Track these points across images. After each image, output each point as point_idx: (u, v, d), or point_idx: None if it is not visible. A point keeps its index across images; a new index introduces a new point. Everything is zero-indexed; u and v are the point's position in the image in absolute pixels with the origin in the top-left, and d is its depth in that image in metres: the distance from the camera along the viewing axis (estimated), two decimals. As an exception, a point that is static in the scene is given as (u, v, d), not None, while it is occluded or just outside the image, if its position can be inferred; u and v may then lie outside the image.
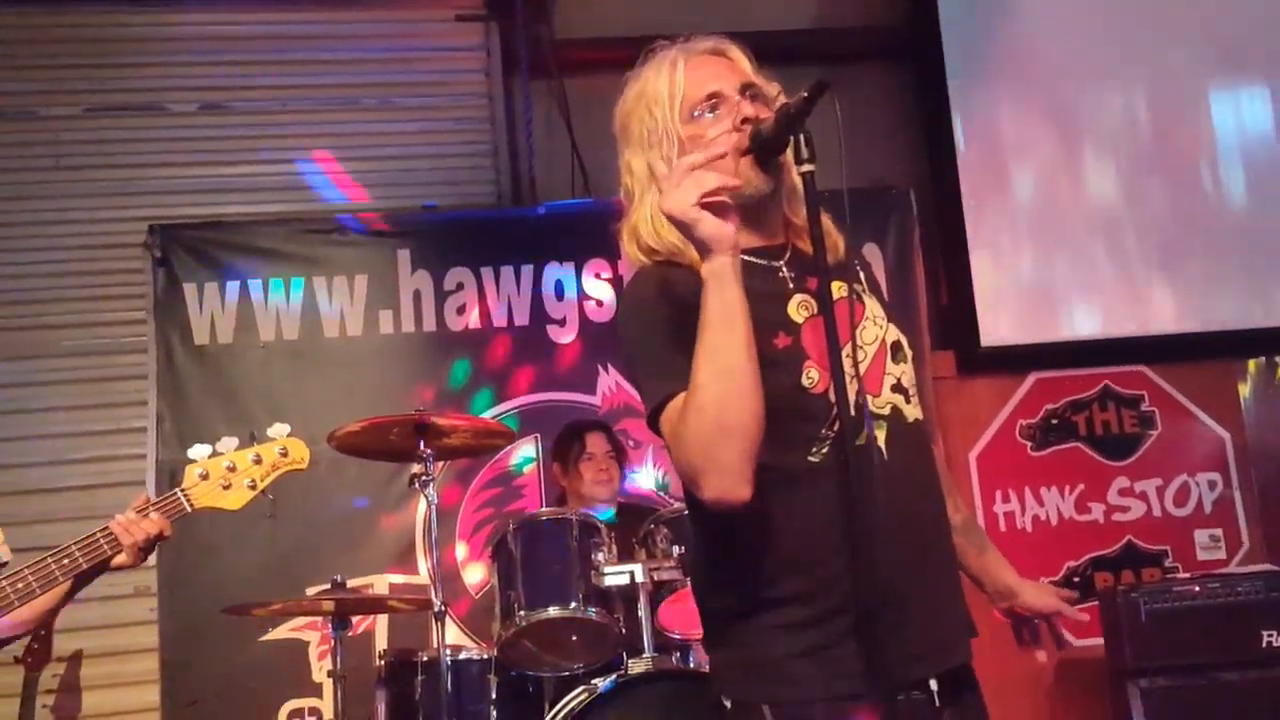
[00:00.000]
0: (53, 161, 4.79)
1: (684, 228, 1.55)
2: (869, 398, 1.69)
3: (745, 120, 1.70)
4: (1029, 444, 4.94)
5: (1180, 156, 5.03)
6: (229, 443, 2.34)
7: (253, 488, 2.31)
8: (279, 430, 2.44)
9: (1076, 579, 4.77)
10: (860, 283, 1.79)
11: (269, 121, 4.97)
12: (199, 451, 2.35)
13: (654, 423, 1.66)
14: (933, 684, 1.64)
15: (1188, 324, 4.94)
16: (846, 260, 1.76)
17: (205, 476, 2.28)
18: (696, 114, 1.74)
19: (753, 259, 1.70)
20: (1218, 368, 5.04)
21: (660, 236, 1.71)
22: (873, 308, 1.79)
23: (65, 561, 2.11)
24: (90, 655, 4.35)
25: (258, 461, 2.32)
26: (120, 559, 2.19)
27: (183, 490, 2.27)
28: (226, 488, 2.29)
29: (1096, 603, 4.23)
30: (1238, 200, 5.02)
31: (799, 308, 1.71)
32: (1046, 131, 5.03)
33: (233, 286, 4.62)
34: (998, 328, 4.90)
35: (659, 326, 1.57)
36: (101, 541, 2.15)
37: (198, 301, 4.59)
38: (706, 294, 1.54)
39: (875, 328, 1.77)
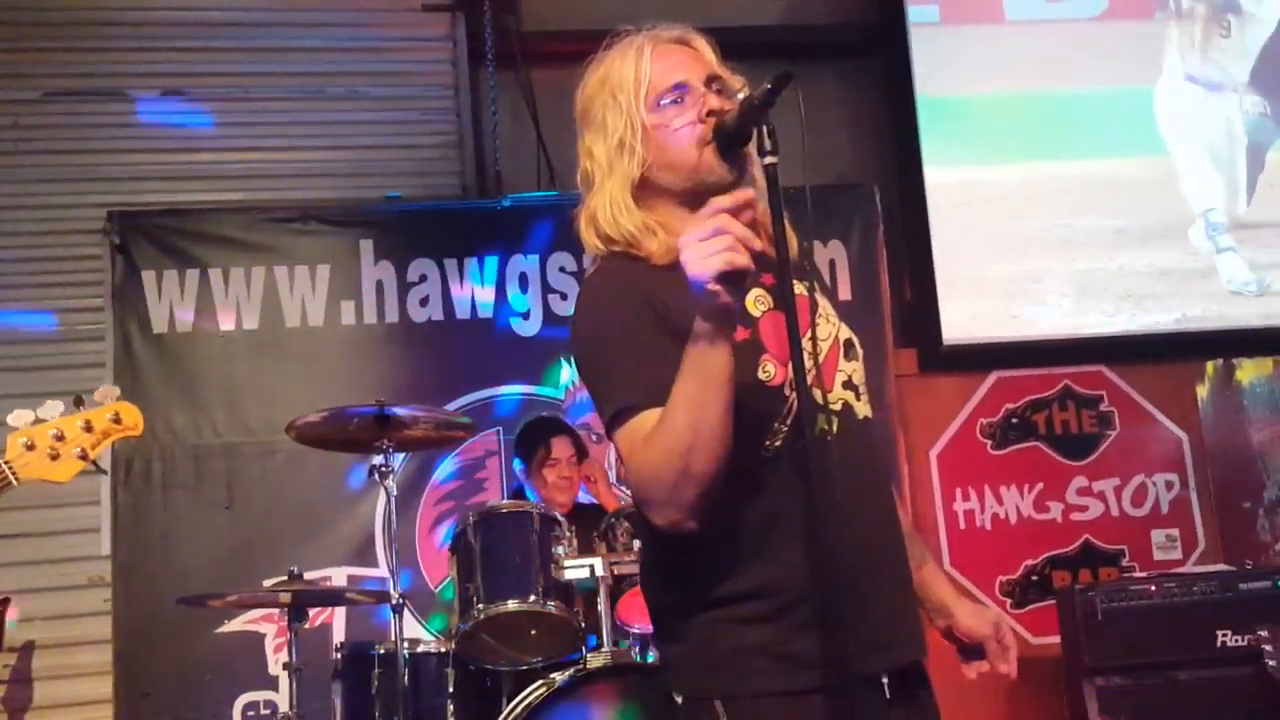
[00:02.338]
0: (11, 145, 4.73)
1: (699, 292, 1.46)
2: (822, 392, 1.69)
3: (710, 112, 1.69)
4: (989, 442, 4.97)
5: (1143, 160, 5.07)
6: (54, 407, 2.17)
7: (83, 457, 2.14)
8: (107, 393, 2.26)
9: (1035, 577, 4.81)
10: (815, 280, 1.79)
11: (232, 109, 4.92)
12: (21, 418, 2.17)
13: (610, 430, 1.64)
14: (884, 680, 1.64)
15: (1147, 325, 4.98)
16: (802, 258, 1.75)
17: (31, 446, 2.11)
18: (662, 103, 1.72)
19: None
20: (1176, 369, 5.10)
21: (619, 225, 1.69)
22: (825, 306, 1.79)
23: None
24: (43, 646, 4.31)
25: (88, 429, 2.14)
26: None
27: (6, 461, 2.10)
28: (55, 458, 2.12)
29: (1054, 601, 4.27)
30: (1196, 206, 5.07)
31: (755, 301, 1.71)
32: (1011, 128, 5.05)
33: (192, 274, 4.58)
34: (960, 326, 4.92)
35: (616, 331, 1.54)
36: None
37: (156, 289, 4.55)
38: (696, 346, 1.49)
39: (828, 325, 1.77)
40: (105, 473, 2.16)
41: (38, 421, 2.14)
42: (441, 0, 5.11)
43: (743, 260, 1.44)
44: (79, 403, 2.19)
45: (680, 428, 1.50)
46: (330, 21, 5.03)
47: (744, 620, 1.62)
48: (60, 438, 2.12)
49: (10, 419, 2.13)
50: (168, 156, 4.84)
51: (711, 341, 1.48)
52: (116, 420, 2.17)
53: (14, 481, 2.09)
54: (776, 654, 1.60)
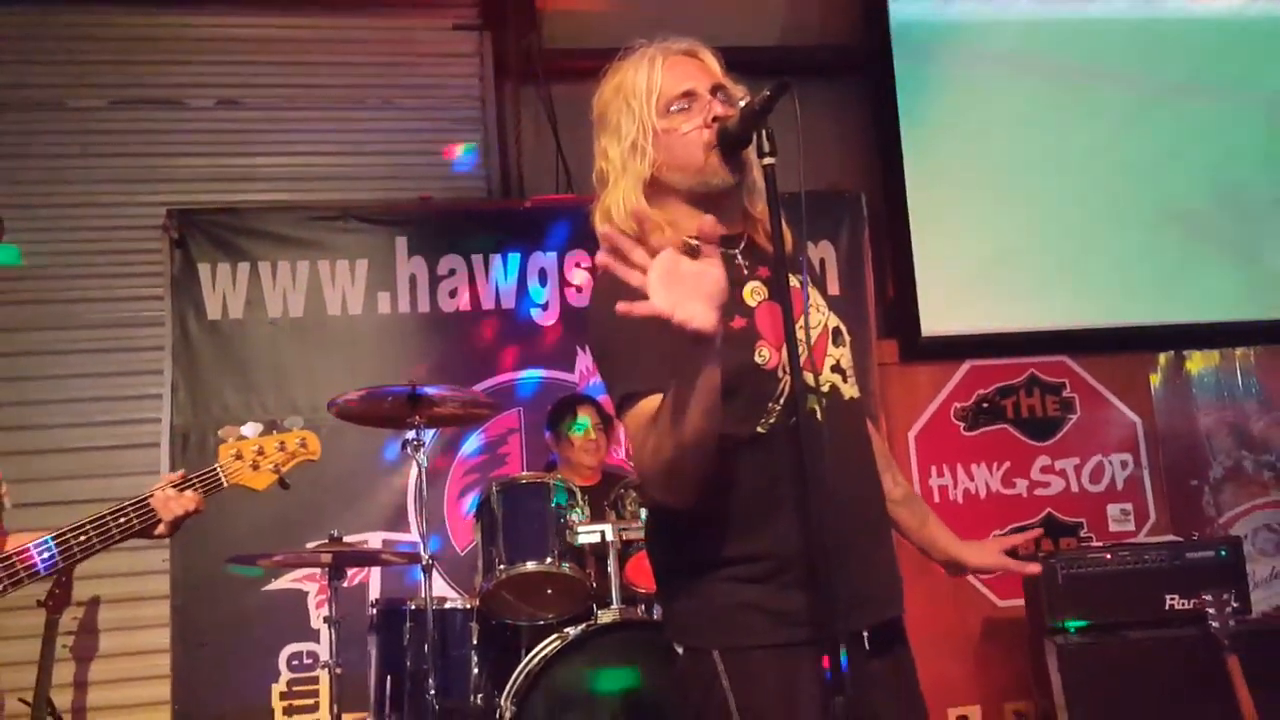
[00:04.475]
0: (80, 149, 4.73)
1: (698, 335, 1.38)
2: (812, 374, 1.68)
3: (715, 118, 1.68)
4: (962, 425, 4.96)
5: (1104, 168, 5.05)
6: (253, 428, 2.29)
7: (275, 471, 2.26)
8: (295, 422, 2.39)
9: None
10: (807, 275, 1.78)
11: (280, 117, 4.91)
12: (230, 433, 2.30)
13: (618, 412, 1.64)
14: (865, 634, 1.64)
15: (1107, 319, 4.96)
16: (796, 253, 1.74)
17: (238, 457, 2.24)
18: (672, 109, 1.71)
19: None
20: (1132, 359, 5.08)
21: (630, 220, 1.69)
22: (815, 297, 1.78)
23: (122, 521, 2.06)
24: (107, 600, 4.32)
25: (281, 448, 2.27)
26: (160, 530, 2.16)
27: (220, 467, 2.22)
28: (255, 469, 2.24)
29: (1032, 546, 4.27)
30: (1151, 210, 5.04)
31: (752, 293, 1.70)
32: (985, 144, 5.03)
33: (243, 267, 4.57)
34: (937, 319, 4.92)
35: (625, 322, 1.55)
36: (138, 513, 2.10)
37: (211, 280, 4.55)
38: (690, 364, 1.44)
39: (819, 314, 1.77)
40: (288, 487, 2.26)
41: (241, 438, 2.24)
42: (470, 21, 5.10)
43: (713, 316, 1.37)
44: (273, 426, 2.30)
45: (671, 428, 1.48)
46: (369, 39, 5.01)
47: (740, 580, 1.63)
48: (260, 452, 2.24)
49: (221, 433, 2.25)
50: (222, 160, 4.82)
51: (706, 359, 1.43)
52: (303, 445, 2.29)
53: (224, 484, 2.20)
54: (768, 611, 1.60)
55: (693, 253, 1.46)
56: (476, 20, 5.10)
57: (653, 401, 1.55)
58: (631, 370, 1.60)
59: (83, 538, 2.01)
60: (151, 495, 2.12)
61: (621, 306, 1.37)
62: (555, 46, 5.02)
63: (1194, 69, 5.15)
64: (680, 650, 1.68)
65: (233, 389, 4.48)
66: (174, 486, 2.16)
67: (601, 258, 1.42)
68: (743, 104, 1.63)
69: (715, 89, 1.73)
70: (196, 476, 2.21)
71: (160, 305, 4.57)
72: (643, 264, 1.38)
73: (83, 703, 4.24)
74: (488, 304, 4.70)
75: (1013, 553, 1.95)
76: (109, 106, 4.80)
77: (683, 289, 1.36)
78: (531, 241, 4.75)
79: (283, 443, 2.28)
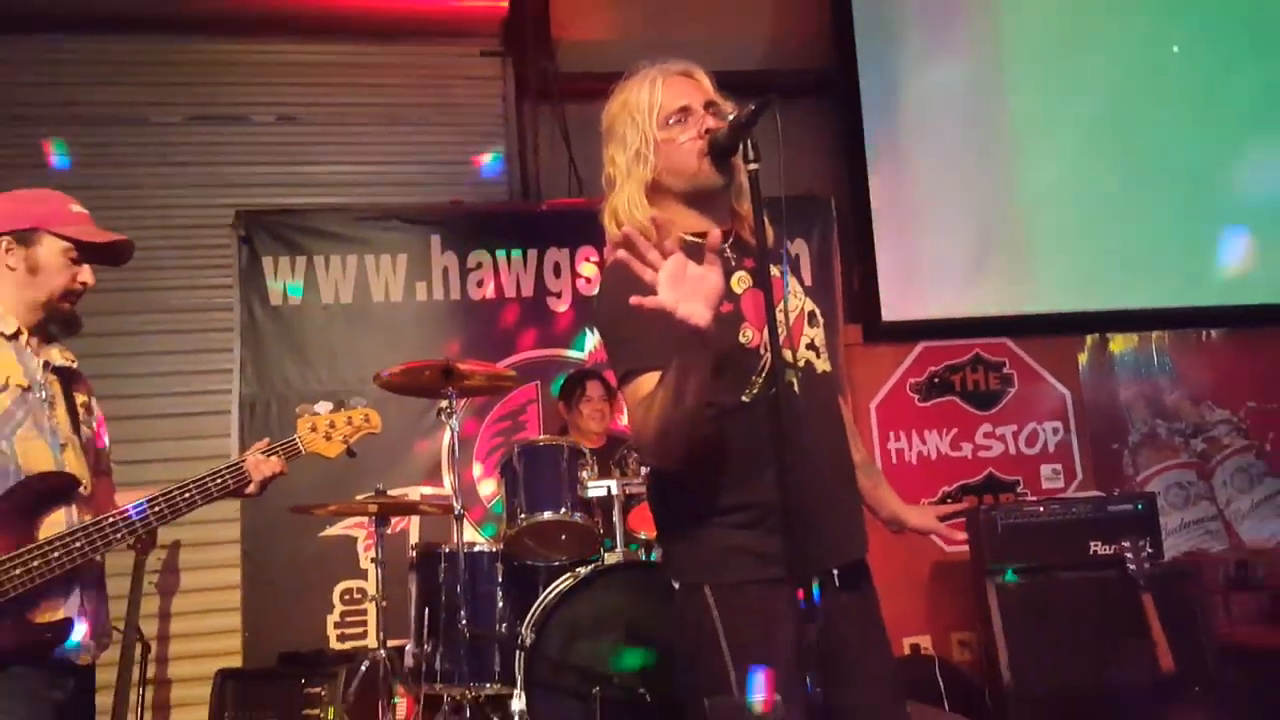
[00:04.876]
0: (160, 158, 4.70)
1: (695, 329, 1.40)
2: (790, 351, 1.68)
3: (707, 130, 1.67)
4: (916, 397, 4.95)
5: (1040, 180, 5.03)
6: (325, 406, 2.32)
7: (344, 442, 2.29)
8: (359, 401, 2.41)
9: (949, 500, 4.81)
10: (786, 265, 1.78)
11: (332, 131, 4.88)
12: (305, 409, 2.32)
13: (621, 385, 1.64)
14: (835, 573, 1.64)
15: (1041, 307, 4.95)
16: (777, 247, 1.73)
17: (313, 429, 2.26)
18: (670, 122, 1.70)
19: (700, 240, 1.67)
20: (1063, 341, 5.06)
21: (634, 218, 1.68)
22: (794, 284, 1.78)
23: (225, 481, 2.08)
24: (186, 544, 4.33)
25: (349, 423, 2.30)
26: (250, 489, 2.17)
27: (299, 437, 2.24)
28: (327, 439, 2.27)
29: (963, 520, 4.27)
30: (1078, 214, 5.02)
31: (738, 281, 1.70)
32: (936, 157, 5.01)
33: (301, 260, 4.55)
34: (895, 307, 4.90)
35: (627, 309, 1.54)
36: (233, 475, 2.11)
37: (273, 271, 4.53)
38: (686, 351, 1.45)
39: (796, 300, 1.76)
40: (355, 455, 2.28)
41: (314, 414, 2.27)
42: (495, 48, 5.05)
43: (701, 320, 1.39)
44: (340, 404, 2.33)
45: (666, 406, 1.49)
46: (408, 64, 4.96)
47: (728, 527, 1.63)
48: (332, 426, 2.27)
49: (299, 409, 2.28)
50: (282, 168, 4.79)
51: (699, 347, 1.44)
52: (366, 420, 2.31)
53: (302, 451, 2.23)
54: (753, 552, 1.61)
55: (690, 248, 1.45)
56: (500, 48, 5.05)
57: (651, 378, 1.55)
58: (633, 351, 1.60)
59: (186, 495, 2.02)
60: (245, 460, 2.13)
61: (635, 300, 1.39)
62: (568, 71, 4.98)
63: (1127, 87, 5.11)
64: (677, 586, 1.69)
65: (292, 364, 4.47)
66: (262, 452, 2.17)
67: (622, 254, 1.43)
68: (731, 118, 1.62)
69: (707, 105, 1.72)
70: (279, 444, 2.22)
71: (230, 293, 4.56)
72: (656, 264, 1.41)
73: (166, 631, 4.26)
74: (510, 292, 4.69)
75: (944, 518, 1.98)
76: (185, 122, 4.77)
77: (686, 289, 1.39)
78: (547, 239, 4.73)
79: (350, 418, 2.31)
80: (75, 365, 2.08)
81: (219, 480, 2.06)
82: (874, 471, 1.98)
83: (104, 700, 3.25)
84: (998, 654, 3.89)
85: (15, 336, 1.97)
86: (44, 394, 1.96)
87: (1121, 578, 3.54)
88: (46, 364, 2.01)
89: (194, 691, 4.08)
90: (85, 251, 2.04)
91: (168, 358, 4.51)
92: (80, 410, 2.07)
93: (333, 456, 2.28)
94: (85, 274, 2.04)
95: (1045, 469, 4.93)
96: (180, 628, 4.28)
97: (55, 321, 2.03)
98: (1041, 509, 4.04)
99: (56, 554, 1.83)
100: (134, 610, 3.48)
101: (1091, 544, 3.93)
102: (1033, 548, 3.95)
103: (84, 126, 4.65)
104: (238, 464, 2.10)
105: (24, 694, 1.86)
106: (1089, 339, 5.09)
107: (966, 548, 4.18)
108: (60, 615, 1.90)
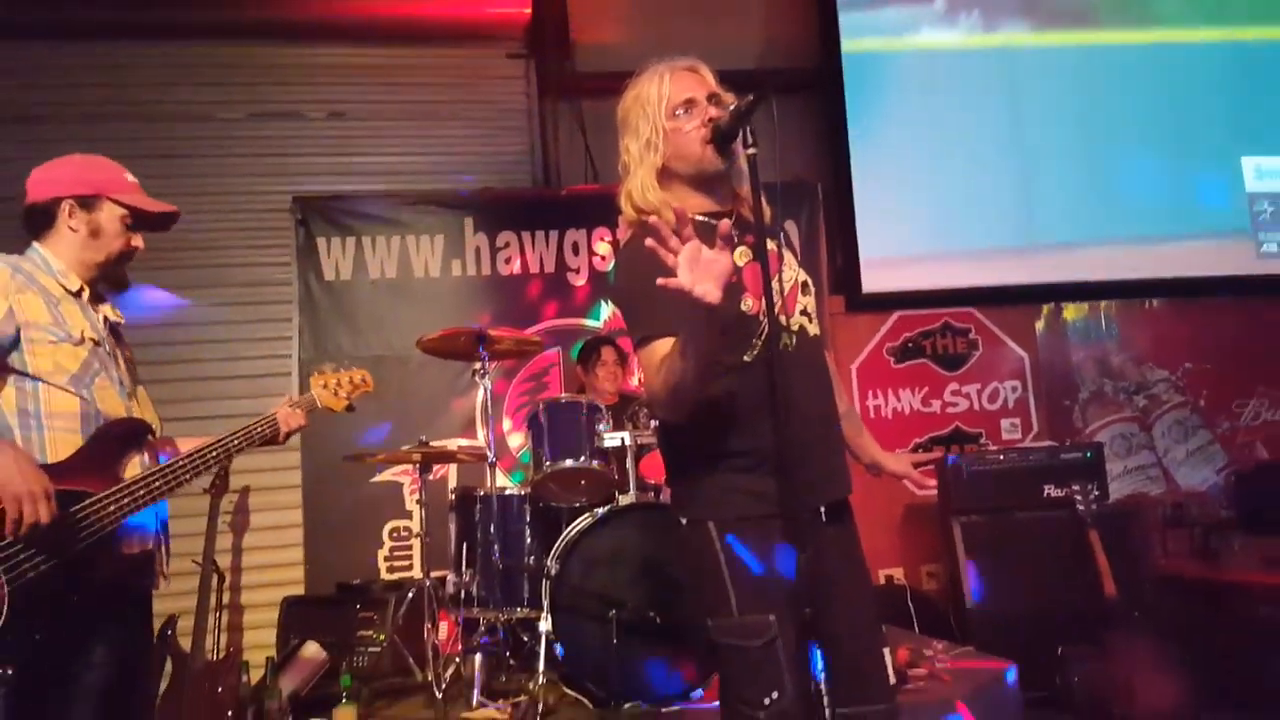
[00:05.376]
0: (224, 151, 4.68)
1: (708, 306, 1.40)
2: (785, 317, 1.67)
3: (710, 119, 1.65)
4: (892, 360, 4.94)
5: (1004, 168, 4.97)
6: (332, 368, 2.37)
7: (346, 398, 2.34)
8: (357, 368, 2.46)
9: (920, 449, 4.81)
10: (783, 240, 1.76)
11: (376, 126, 4.84)
12: (318, 370, 2.38)
13: (637, 349, 1.63)
14: (822, 510, 1.65)
15: (1003, 280, 4.91)
16: (774, 224, 1.72)
17: (325, 386, 2.30)
18: (677, 113, 1.69)
19: (708, 219, 1.67)
20: (1022, 310, 5.03)
21: (647, 200, 1.67)
22: (789, 257, 1.76)
23: (263, 429, 2.10)
24: (255, 489, 4.37)
25: (350, 381, 2.36)
26: (280, 439, 2.19)
27: (315, 394, 2.29)
28: (335, 395, 2.32)
29: (932, 467, 4.27)
30: (1039, 198, 4.96)
31: (740, 255, 1.68)
32: (912, 145, 4.95)
33: (350, 240, 4.55)
34: (874, 280, 4.87)
35: (644, 281, 1.53)
36: (268, 425, 2.14)
37: (327, 250, 4.53)
38: (696, 321, 1.44)
39: (791, 271, 1.75)
40: (354, 410, 2.33)
41: (321, 373, 2.33)
42: (519, 50, 5.00)
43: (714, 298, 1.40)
44: (340, 367, 2.39)
45: (677, 367, 1.49)
46: (442, 65, 4.92)
47: (730, 470, 1.63)
48: (338, 384, 2.32)
49: (315, 374, 2.34)
50: (333, 159, 4.76)
51: (710, 319, 1.43)
52: (363, 380, 2.37)
53: (317, 405, 2.29)
54: (750, 492, 1.61)
55: (700, 228, 1.44)
56: (523, 50, 5.00)
57: (665, 343, 1.54)
58: (648, 319, 1.59)
59: (236, 440, 2.03)
60: (277, 413, 2.15)
61: (661, 281, 1.41)
62: (585, 70, 4.93)
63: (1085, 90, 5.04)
64: (684, 522, 1.69)
65: (344, 332, 4.48)
66: (289, 406, 2.19)
67: (649, 241, 1.43)
68: (731, 108, 1.60)
69: (710, 97, 1.70)
70: (301, 399, 2.26)
71: (288, 270, 4.56)
72: (677, 249, 1.42)
73: (238, 564, 4.31)
74: (534, 269, 4.67)
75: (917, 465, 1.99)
76: (246, 118, 4.74)
77: (701, 271, 1.40)
78: (567, 221, 4.71)
79: (350, 378, 2.36)
80: (124, 322, 2.07)
81: (260, 429, 2.09)
82: (856, 420, 1.98)
83: (185, 624, 3.31)
84: (961, 583, 3.92)
85: (79, 294, 1.94)
86: (107, 347, 1.95)
87: (1071, 517, 3.56)
88: (105, 319, 1.98)
89: (263, 616, 4.14)
90: (138, 218, 2.02)
91: (235, 328, 4.52)
92: (132, 363, 2.07)
93: (339, 410, 2.33)
94: (138, 239, 2.01)
95: (1005, 422, 4.93)
96: (250, 561, 4.33)
97: (108, 281, 2.00)
98: (1001, 457, 4.05)
99: (141, 492, 1.84)
100: (210, 546, 3.52)
101: (1045, 488, 3.95)
102: (993, 491, 3.97)
103: (148, 123, 4.61)
104: (270, 416, 2.13)
105: (137, 620, 1.92)
106: (1045, 308, 5.06)
107: (935, 492, 4.20)
108: (147, 548, 1.92)
